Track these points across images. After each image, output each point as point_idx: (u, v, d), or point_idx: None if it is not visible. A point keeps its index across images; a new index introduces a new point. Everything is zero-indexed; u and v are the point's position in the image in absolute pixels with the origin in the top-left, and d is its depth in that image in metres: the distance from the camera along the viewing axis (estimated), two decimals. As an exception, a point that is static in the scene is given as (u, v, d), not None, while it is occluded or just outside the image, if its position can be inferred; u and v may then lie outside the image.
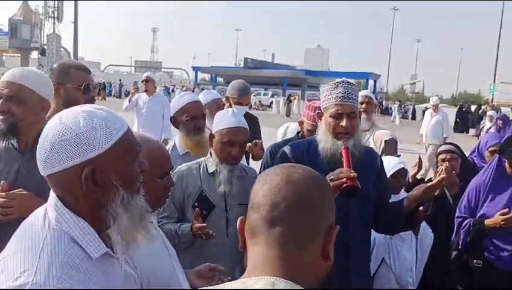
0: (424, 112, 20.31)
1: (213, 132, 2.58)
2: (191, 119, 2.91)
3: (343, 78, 2.38)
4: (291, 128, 4.04)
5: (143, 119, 6.89)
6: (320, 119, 2.40)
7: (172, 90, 46.02)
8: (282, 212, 0.94)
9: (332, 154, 2.27)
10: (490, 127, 11.22)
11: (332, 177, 2.04)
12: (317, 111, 2.47)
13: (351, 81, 2.38)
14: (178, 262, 1.77)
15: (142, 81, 7.42)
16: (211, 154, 2.60)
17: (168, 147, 3.08)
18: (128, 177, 1.18)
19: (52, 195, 1.18)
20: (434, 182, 2.19)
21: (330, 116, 2.29)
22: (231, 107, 3.91)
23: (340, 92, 2.26)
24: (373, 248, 3.02)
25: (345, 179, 2.01)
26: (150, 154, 1.64)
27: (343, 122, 2.25)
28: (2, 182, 1.86)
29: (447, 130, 10.31)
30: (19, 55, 48.14)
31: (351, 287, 2.30)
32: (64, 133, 1.11)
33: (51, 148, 1.11)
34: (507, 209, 2.89)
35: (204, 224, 2.28)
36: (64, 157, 1.10)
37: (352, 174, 2.02)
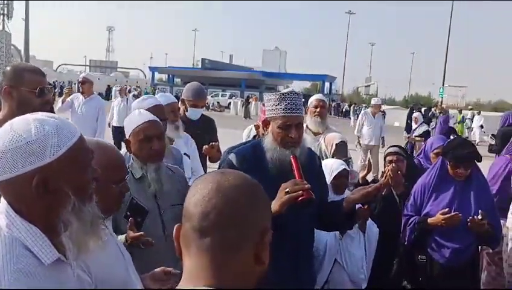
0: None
1: (127, 137, 2.50)
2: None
3: (291, 89, 2.45)
4: (255, 130, 4.10)
5: (77, 121, 6.58)
6: (267, 128, 2.45)
7: (129, 91, 45.22)
8: (211, 222, 0.95)
9: (280, 163, 2.34)
10: (415, 129, 11.29)
11: (288, 189, 2.12)
12: (263, 120, 2.50)
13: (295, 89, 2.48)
14: (133, 266, 1.78)
15: (79, 82, 7.22)
16: (133, 159, 2.52)
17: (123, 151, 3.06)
18: (79, 185, 1.20)
19: (3, 202, 1.18)
20: (371, 189, 2.29)
21: (278, 127, 2.34)
22: (186, 110, 3.91)
23: (288, 103, 2.32)
24: (325, 250, 3.12)
25: (301, 192, 2.09)
26: (107, 160, 1.66)
27: (292, 134, 2.32)
28: None
29: (384, 131, 10.54)
30: (-35, 53, 45.96)
31: (299, 279, 2.42)
32: (15, 141, 1.11)
33: (1, 156, 1.11)
34: (447, 209, 3.06)
35: (142, 233, 2.18)
36: (14, 164, 1.11)
37: (307, 185, 2.11)
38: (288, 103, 2.32)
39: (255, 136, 3.52)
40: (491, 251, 3.74)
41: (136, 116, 2.51)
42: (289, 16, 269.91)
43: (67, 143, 1.16)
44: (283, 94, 2.37)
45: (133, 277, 1.73)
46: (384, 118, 13.25)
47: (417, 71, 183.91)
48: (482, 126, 22.32)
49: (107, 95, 44.97)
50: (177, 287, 0.98)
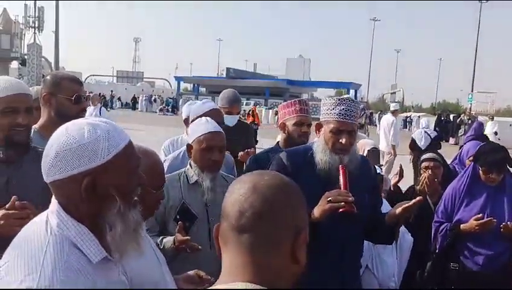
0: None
1: (190, 142, 2.56)
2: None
3: (348, 96, 2.42)
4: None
5: None
6: (319, 131, 2.42)
7: (155, 100, 45.87)
8: (248, 220, 0.98)
9: (329, 168, 2.31)
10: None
11: (330, 198, 2.10)
12: (316, 122, 2.49)
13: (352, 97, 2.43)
14: (167, 268, 1.82)
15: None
16: (190, 165, 2.58)
17: (180, 151, 3.13)
18: (125, 189, 1.24)
19: (54, 202, 1.23)
20: (412, 203, 2.24)
21: (330, 131, 2.31)
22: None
23: (343, 108, 2.29)
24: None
25: (343, 203, 2.07)
26: (149, 166, 1.71)
27: (343, 140, 2.28)
28: (13, 197, 1.80)
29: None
30: (-2, 65, 47.43)
31: (345, 286, 2.37)
32: (69, 143, 1.17)
33: (56, 157, 1.17)
34: (481, 215, 3.01)
35: (189, 237, 2.23)
36: (67, 165, 1.17)
37: (350, 198, 2.08)
38: (343, 109, 2.29)
39: (278, 142, 3.45)
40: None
41: (203, 124, 2.56)
42: (312, 23, 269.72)
43: (117, 147, 1.21)
44: (339, 99, 2.33)
45: (168, 279, 1.77)
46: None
47: (444, 77, 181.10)
48: (496, 133, 21.59)
49: (133, 105, 45.77)
50: (216, 282, 1.02)
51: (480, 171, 3.10)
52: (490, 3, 42.08)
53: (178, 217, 2.44)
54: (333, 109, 2.31)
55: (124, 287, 1.36)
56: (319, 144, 2.39)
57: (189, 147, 2.58)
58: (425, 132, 9.56)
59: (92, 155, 1.17)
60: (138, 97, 45.75)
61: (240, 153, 3.70)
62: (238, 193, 1.01)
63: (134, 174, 1.27)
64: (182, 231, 2.26)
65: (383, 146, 10.16)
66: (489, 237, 3.02)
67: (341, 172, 2.22)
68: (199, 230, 2.46)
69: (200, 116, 3.00)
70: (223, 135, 2.58)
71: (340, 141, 2.29)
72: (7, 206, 1.80)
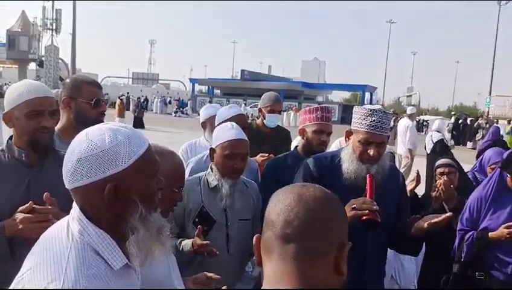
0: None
1: (213, 146, 2.56)
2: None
3: (380, 107, 2.39)
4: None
5: None
6: (349, 138, 2.40)
7: (170, 102, 46.14)
8: (294, 230, 0.99)
9: (355, 177, 2.30)
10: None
11: (355, 205, 2.08)
12: (347, 130, 2.47)
13: (381, 108, 2.39)
14: (177, 269, 1.80)
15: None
16: (211, 168, 2.59)
17: (204, 155, 3.11)
18: (146, 193, 1.23)
19: (76, 208, 1.22)
20: (441, 219, 2.18)
21: (359, 141, 2.30)
22: (264, 118, 3.95)
23: (374, 120, 2.26)
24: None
25: (367, 211, 2.06)
26: (167, 166, 1.70)
27: (371, 151, 2.27)
28: (45, 193, 1.80)
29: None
30: (17, 66, 48.28)
31: None
32: (90, 149, 1.16)
33: (77, 163, 1.16)
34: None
35: (208, 242, 2.24)
36: (89, 172, 1.15)
37: (375, 207, 2.07)
38: (374, 120, 2.27)
39: (296, 146, 3.41)
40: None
41: (228, 130, 2.56)
42: (328, 25, 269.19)
43: (138, 152, 1.20)
44: (371, 110, 2.31)
45: (175, 280, 1.76)
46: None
47: (462, 80, 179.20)
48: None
49: (145, 106, 46.06)
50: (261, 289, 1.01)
51: (508, 178, 3.01)
52: (509, 5, 41.55)
53: (197, 220, 2.45)
54: (364, 119, 2.29)
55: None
56: (346, 152, 2.38)
57: (212, 151, 2.58)
58: (430, 135, 9.46)
59: (114, 161, 1.16)
60: (153, 98, 46.04)
61: (259, 158, 3.67)
62: (284, 203, 1.02)
63: (154, 178, 1.27)
64: (200, 235, 2.27)
65: (400, 150, 10.04)
66: None
67: (368, 181, 2.21)
68: (217, 234, 2.48)
69: (226, 120, 3.02)
70: (246, 142, 2.58)
71: (368, 151, 2.28)
72: (22, 208, 1.80)
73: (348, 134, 2.41)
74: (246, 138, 2.59)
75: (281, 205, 1.02)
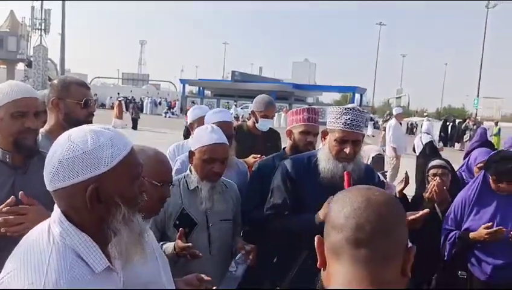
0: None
1: (192, 149, 2.53)
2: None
3: (354, 105, 2.43)
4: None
5: None
6: (325, 138, 2.44)
7: (160, 103, 45.96)
8: (367, 234, 0.99)
9: (332, 176, 2.34)
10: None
11: None
12: (323, 129, 2.50)
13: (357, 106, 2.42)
14: (168, 270, 1.79)
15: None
16: (191, 170, 2.57)
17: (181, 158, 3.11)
18: (129, 196, 1.22)
19: (57, 211, 1.21)
20: (418, 215, 2.23)
21: (335, 140, 2.33)
22: (257, 121, 3.96)
23: (349, 118, 2.30)
24: None
25: None
26: (149, 161, 1.71)
27: (347, 149, 2.31)
28: (20, 192, 1.80)
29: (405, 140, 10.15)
30: (5, 66, 47.78)
31: None
32: (72, 151, 1.15)
33: (59, 165, 1.15)
34: (491, 223, 2.96)
35: (190, 244, 2.22)
36: (70, 174, 1.14)
37: None
38: (349, 118, 2.30)
39: (284, 148, 3.43)
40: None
41: (208, 133, 2.52)
42: (319, 27, 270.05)
43: (121, 154, 1.19)
44: (346, 108, 2.34)
45: (165, 281, 1.75)
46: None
47: (450, 82, 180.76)
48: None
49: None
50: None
51: (491, 180, 3.05)
52: (497, 8, 41.98)
53: (177, 222, 2.43)
54: (339, 118, 2.33)
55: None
56: (323, 152, 2.41)
57: (191, 153, 2.55)
58: (420, 137, 9.53)
59: (96, 163, 1.15)
60: (143, 98, 45.81)
61: (251, 159, 3.68)
62: (352, 207, 1.02)
63: (137, 180, 1.26)
64: (182, 238, 2.25)
65: (388, 151, 10.09)
66: (498, 246, 2.97)
67: (346, 178, 2.25)
68: (199, 236, 2.46)
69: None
70: (226, 146, 2.56)
71: (345, 150, 2.32)
72: (3, 205, 1.80)
73: (324, 134, 2.45)
74: (226, 142, 2.56)
75: (348, 208, 1.02)
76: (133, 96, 37.62)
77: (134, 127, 22.41)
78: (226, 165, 2.58)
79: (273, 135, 4.15)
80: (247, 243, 2.55)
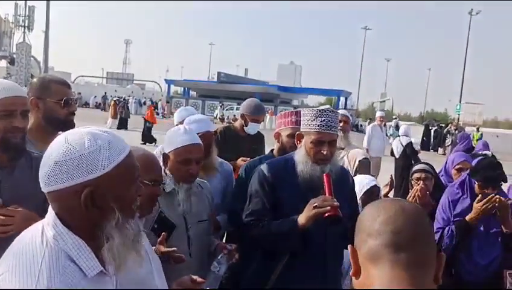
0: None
1: (166, 152, 2.49)
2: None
3: (328, 106, 2.47)
4: None
5: None
6: (300, 141, 2.47)
7: (144, 103, 45.63)
8: (405, 239, 1.02)
9: (310, 178, 2.37)
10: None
11: (316, 204, 2.16)
12: (297, 133, 2.53)
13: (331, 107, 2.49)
14: (161, 272, 1.78)
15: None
16: (166, 173, 2.51)
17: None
18: (125, 200, 1.21)
19: (51, 213, 1.19)
20: None
21: (311, 142, 2.37)
22: (246, 124, 3.97)
23: (324, 120, 2.34)
24: (350, 265, 3.09)
25: (328, 208, 2.13)
26: (140, 160, 1.70)
27: (324, 151, 2.34)
28: None
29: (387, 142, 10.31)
30: (-14, 63, 46.97)
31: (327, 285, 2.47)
32: (69, 153, 1.13)
33: (54, 166, 1.13)
34: (480, 196, 3.00)
35: (175, 248, 2.18)
36: (66, 176, 1.13)
37: (335, 203, 2.15)
38: (324, 120, 2.35)
39: (272, 150, 3.47)
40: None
41: (181, 134, 2.48)
42: (305, 30, 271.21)
43: (118, 158, 1.18)
44: (320, 110, 2.38)
45: (158, 282, 1.74)
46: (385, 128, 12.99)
47: (433, 88, 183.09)
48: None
49: (104, 105, 45.46)
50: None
51: (476, 185, 3.11)
52: (480, 15, 42.69)
53: (156, 226, 2.37)
54: (314, 120, 2.37)
55: None
56: (300, 154, 2.44)
57: (165, 156, 2.50)
58: (399, 140, 9.67)
59: (92, 166, 1.14)
60: (128, 98, 45.43)
61: (240, 162, 3.68)
62: (388, 214, 1.06)
63: (134, 184, 1.24)
64: (163, 243, 2.20)
65: (376, 154, 10.17)
66: (480, 245, 3.05)
67: (325, 179, 2.27)
68: (178, 239, 2.41)
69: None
70: (201, 146, 2.52)
71: (322, 151, 2.35)
72: None
73: (299, 137, 2.48)
74: (200, 142, 2.53)
75: (383, 215, 1.06)
76: (124, 97, 37.36)
77: (125, 126, 22.36)
78: (201, 165, 2.55)
79: (258, 137, 4.19)
80: (225, 243, 2.56)
